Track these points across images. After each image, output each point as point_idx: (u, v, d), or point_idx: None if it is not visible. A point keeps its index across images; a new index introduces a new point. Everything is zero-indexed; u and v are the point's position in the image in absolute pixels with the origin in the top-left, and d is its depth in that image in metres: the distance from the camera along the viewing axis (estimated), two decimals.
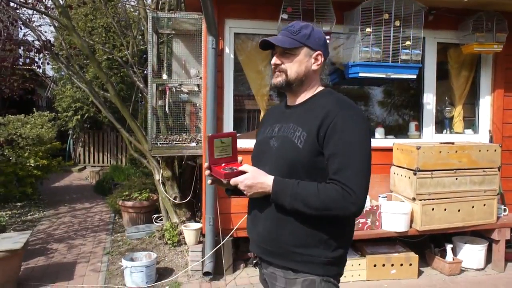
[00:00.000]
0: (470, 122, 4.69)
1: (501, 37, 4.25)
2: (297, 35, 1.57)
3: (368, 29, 3.86)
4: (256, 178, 1.49)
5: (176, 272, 4.04)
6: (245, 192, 1.52)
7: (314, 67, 1.59)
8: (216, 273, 3.89)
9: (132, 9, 7.62)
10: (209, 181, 1.59)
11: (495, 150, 3.91)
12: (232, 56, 4.07)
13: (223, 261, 3.89)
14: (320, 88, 1.65)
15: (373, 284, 3.74)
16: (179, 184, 4.94)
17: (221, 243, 3.87)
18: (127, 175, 8.12)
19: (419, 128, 4.50)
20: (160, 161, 4.71)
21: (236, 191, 1.63)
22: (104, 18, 7.33)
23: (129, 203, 5.55)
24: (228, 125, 4.09)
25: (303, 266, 1.50)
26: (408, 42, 3.96)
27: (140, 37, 6.64)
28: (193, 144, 4.08)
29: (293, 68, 1.57)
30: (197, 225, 4.11)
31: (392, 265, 3.80)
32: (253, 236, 1.66)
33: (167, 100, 4.14)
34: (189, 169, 5.08)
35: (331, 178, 1.44)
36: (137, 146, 5.03)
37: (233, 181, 1.50)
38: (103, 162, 11.77)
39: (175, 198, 4.76)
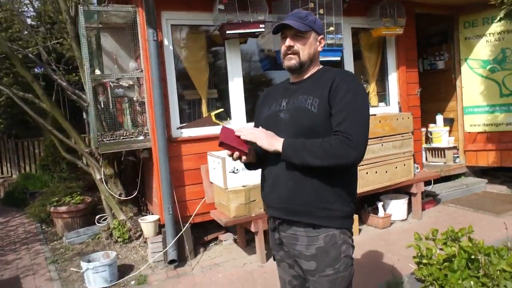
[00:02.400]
0: (383, 96, 5.42)
1: (401, 22, 4.98)
2: (306, 20, 1.72)
3: None
4: (271, 133, 1.69)
5: (137, 267, 4.02)
6: (254, 136, 1.66)
7: (319, 48, 1.80)
8: (179, 260, 3.98)
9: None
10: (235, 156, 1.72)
11: (408, 118, 4.63)
12: (171, 47, 4.12)
13: (186, 247, 4.00)
14: (320, 66, 1.84)
15: None
16: (121, 180, 4.84)
17: (182, 231, 3.97)
18: (44, 182, 7.53)
19: None
20: (101, 159, 4.56)
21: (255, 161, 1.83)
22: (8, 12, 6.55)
23: (63, 208, 5.26)
24: (175, 116, 4.16)
25: (325, 220, 1.66)
26: (331, 28, 4.43)
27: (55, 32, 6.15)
28: (141, 137, 4.06)
29: (305, 50, 1.74)
30: (155, 217, 4.12)
31: None
32: (273, 201, 1.77)
33: (109, 96, 4.04)
34: (129, 164, 4.99)
35: (335, 130, 1.60)
36: (72, 146, 4.78)
37: (248, 129, 1.69)
38: (1, 173, 10.59)
39: (120, 195, 4.66)
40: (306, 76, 1.81)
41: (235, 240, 4.49)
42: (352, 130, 1.58)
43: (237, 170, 3.77)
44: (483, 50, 5.80)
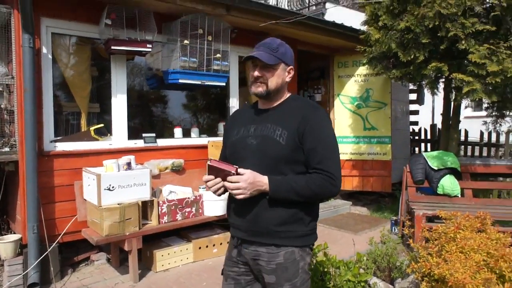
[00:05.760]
0: None
1: None
2: (276, 52, 1.80)
3: (186, 41, 4.37)
4: (256, 177, 1.71)
5: None
6: (242, 192, 1.69)
7: (288, 79, 1.88)
8: (42, 283, 3.70)
9: None
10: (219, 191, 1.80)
11: None
12: (50, 56, 3.92)
13: (51, 268, 3.74)
14: (288, 94, 1.93)
15: (200, 263, 4.30)
16: None
17: (48, 251, 3.72)
18: None
19: None
20: None
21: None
22: None
23: None
24: (49, 129, 3.93)
25: (285, 240, 1.79)
26: (218, 55, 4.67)
27: None
28: (6, 149, 3.73)
29: (273, 80, 1.82)
30: (15, 236, 3.77)
31: (214, 245, 4.44)
32: (238, 223, 1.87)
33: None
34: None
35: (315, 167, 1.73)
36: None
37: (236, 178, 1.69)
38: None
39: None
40: (275, 104, 1.90)
41: (108, 260, 4.33)
42: (333, 168, 1.73)
43: (112, 187, 3.70)
44: (352, 88, 6.63)
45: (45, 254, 3.68)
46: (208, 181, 1.77)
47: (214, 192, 1.81)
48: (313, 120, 1.78)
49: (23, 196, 3.69)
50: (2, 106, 4.14)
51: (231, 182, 1.71)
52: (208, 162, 1.76)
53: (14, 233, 4.24)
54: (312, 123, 1.77)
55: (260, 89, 1.82)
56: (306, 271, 1.87)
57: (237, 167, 1.71)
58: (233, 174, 1.69)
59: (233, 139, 1.94)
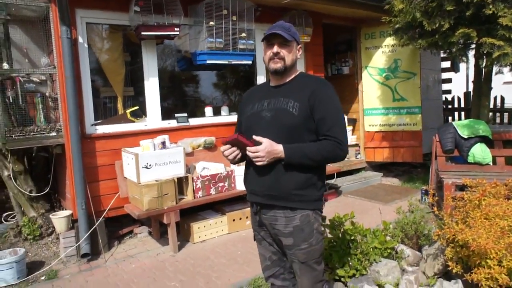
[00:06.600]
0: None
1: (309, 31, 5.48)
2: (290, 31, 1.99)
3: (211, 22, 4.50)
4: (273, 146, 1.89)
5: (48, 263, 4.04)
6: (261, 160, 1.88)
7: (298, 56, 2.08)
8: (93, 253, 4.08)
9: None
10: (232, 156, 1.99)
11: None
12: (86, 45, 4.17)
13: (100, 241, 4.10)
14: (298, 71, 2.12)
15: (234, 235, 4.56)
16: (32, 177, 4.76)
17: (96, 225, 4.07)
18: None
19: None
20: (9, 155, 4.45)
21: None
22: None
23: None
24: (89, 113, 4.23)
25: (300, 204, 1.97)
26: (243, 34, 4.77)
27: None
28: (53, 133, 4.07)
29: (289, 56, 2.00)
30: (67, 212, 4.16)
31: (247, 217, 4.68)
32: (256, 189, 2.05)
33: (19, 91, 3.98)
34: (42, 161, 4.91)
35: (325, 134, 1.93)
36: None
37: (254, 148, 1.88)
38: None
39: (30, 192, 4.59)
40: (286, 80, 2.08)
41: (149, 233, 4.67)
42: (340, 135, 1.95)
43: (150, 165, 3.96)
44: (380, 59, 6.56)
45: (93, 227, 4.04)
46: (225, 150, 1.98)
47: (232, 160, 2.02)
48: (322, 94, 1.97)
49: (71, 176, 4.04)
50: (46, 94, 4.47)
51: (251, 152, 1.90)
52: (227, 139, 1.94)
53: (65, 209, 4.65)
54: (321, 96, 1.96)
55: (279, 64, 1.99)
56: (319, 231, 2.08)
57: (253, 140, 1.89)
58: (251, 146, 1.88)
59: (248, 113, 2.13)
